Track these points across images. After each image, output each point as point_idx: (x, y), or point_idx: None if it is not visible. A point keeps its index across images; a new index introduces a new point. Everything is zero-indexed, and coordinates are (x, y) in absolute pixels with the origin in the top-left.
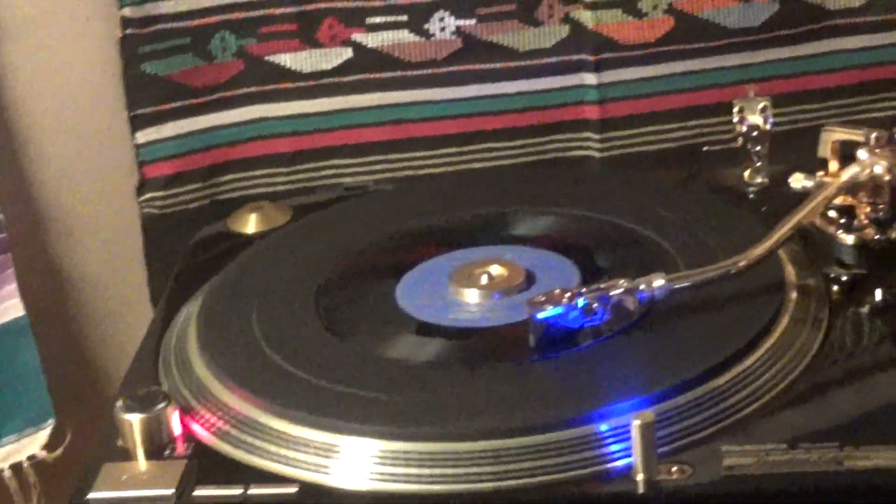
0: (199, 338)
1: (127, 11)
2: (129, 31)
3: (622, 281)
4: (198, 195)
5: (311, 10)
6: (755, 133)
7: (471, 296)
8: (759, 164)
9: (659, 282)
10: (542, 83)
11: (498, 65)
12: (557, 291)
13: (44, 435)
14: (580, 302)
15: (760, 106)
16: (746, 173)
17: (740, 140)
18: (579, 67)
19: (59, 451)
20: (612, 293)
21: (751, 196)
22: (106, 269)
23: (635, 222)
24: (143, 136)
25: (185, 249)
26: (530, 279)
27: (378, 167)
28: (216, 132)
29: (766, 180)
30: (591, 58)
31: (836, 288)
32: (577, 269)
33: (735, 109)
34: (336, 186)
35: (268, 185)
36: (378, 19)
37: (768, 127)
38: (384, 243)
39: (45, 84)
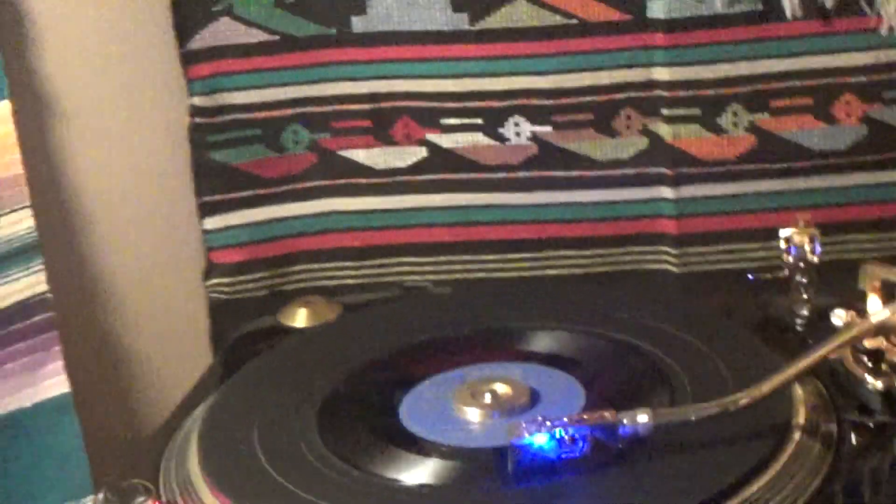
0: (198, 438)
1: (196, 100)
2: (198, 119)
3: (606, 413)
4: (265, 284)
5: (387, 108)
6: (801, 264)
7: (472, 414)
8: (804, 295)
9: (643, 418)
10: (619, 194)
11: (573, 173)
12: (540, 418)
13: None
14: (559, 432)
15: (808, 236)
16: (793, 304)
17: (786, 270)
18: (657, 181)
19: None
20: (593, 426)
21: (798, 328)
22: (165, 350)
23: (652, 345)
24: (211, 223)
25: (230, 340)
26: (535, 399)
27: (448, 268)
28: (286, 223)
29: (812, 312)
30: (669, 172)
31: (853, 434)
32: (583, 390)
33: (782, 238)
34: (393, 285)
35: (336, 279)
36: (453, 121)
37: (815, 259)
38: (398, 354)
39: (111, 165)
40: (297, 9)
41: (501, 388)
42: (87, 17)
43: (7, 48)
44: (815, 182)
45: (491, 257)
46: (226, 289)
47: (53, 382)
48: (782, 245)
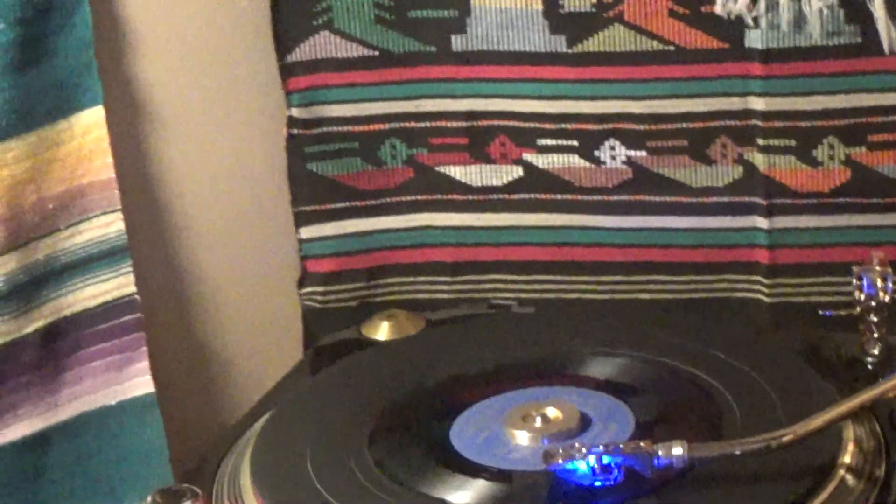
0: (252, 450)
1: (294, 112)
2: (295, 130)
3: (642, 443)
4: (358, 294)
5: (484, 126)
6: (873, 302)
7: (521, 437)
8: (875, 335)
9: (678, 450)
10: (713, 222)
11: (668, 198)
12: (576, 445)
13: None
14: (592, 459)
15: (881, 274)
16: (864, 343)
17: (858, 308)
18: (751, 210)
19: None
20: (627, 455)
21: (869, 367)
22: (254, 356)
23: (707, 374)
24: (306, 232)
25: (310, 350)
26: (585, 425)
27: (540, 287)
28: (380, 235)
29: (882, 352)
30: (763, 201)
31: None
32: (633, 416)
33: (854, 275)
34: (479, 302)
35: (428, 293)
36: (548, 141)
37: (887, 298)
38: (456, 376)
39: (206, 173)
40: (397, 25)
41: (552, 413)
42: (186, 26)
43: (105, 55)
44: None
45: (583, 279)
46: (319, 297)
47: (138, 382)
48: (854, 282)
